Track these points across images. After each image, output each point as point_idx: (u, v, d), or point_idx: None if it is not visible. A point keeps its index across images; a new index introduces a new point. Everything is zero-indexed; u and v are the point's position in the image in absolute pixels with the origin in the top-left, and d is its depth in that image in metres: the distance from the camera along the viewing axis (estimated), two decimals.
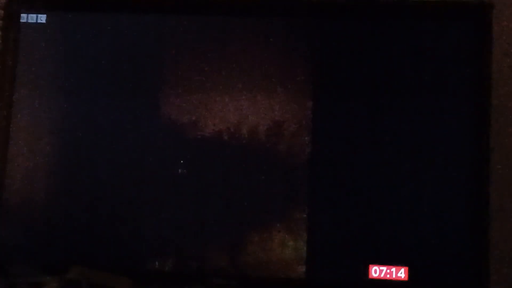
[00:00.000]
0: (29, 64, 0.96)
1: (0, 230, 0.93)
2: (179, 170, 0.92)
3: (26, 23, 0.97)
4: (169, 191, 0.92)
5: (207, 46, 0.94)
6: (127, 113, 0.94)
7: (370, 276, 0.87)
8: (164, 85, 0.94)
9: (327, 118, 0.91)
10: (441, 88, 0.90)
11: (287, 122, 0.92)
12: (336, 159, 0.90)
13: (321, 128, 0.91)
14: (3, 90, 0.95)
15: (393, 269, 0.87)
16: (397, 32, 0.92)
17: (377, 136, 0.90)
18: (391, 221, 0.88)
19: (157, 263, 0.90)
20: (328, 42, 0.93)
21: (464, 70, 0.90)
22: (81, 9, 0.97)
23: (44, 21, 0.96)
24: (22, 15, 0.96)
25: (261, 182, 0.91)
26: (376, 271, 0.87)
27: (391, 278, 0.87)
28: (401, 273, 0.87)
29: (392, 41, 0.92)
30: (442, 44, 0.91)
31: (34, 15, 0.96)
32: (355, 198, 0.89)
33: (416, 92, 0.90)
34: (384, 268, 0.87)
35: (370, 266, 0.87)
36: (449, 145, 0.89)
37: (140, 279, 0.87)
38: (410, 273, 0.87)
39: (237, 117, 0.93)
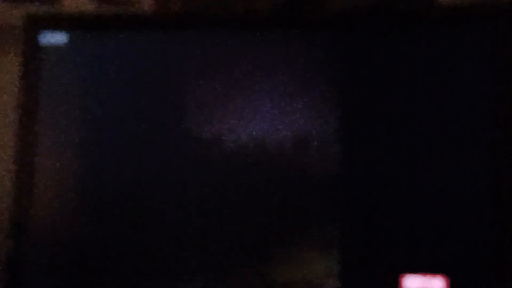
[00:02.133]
0: (51, 86, 0.96)
1: (27, 254, 0.92)
2: (204, 189, 0.90)
3: (46, 46, 0.96)
4: (192, 210, 0.90)
5: (228, 60, 0.93)
6: (149, 131, 0.93)
7: (405, 287, 0.84)
8: (186, 101, 0.93)
9: (355, 130, 0.90)
10: (462, 96, 0.88)
11: (313, 135, 0.90)
12: (366, 169, 0.88)
13: (349, 141, 0.89)
14: (27, 114, 0.95)
15: (430, 278, 0.84)
16: (418, 40, 0.90)
17: (406, 146, 0.88)
18: (426, 229, 0.85)
19: (188, 285, 0.89)
20: (351, 53, 0.91)
21: (484, 77, 0.88)
22: (101, 29, 0.96)
23: (64, 42, 0.96)
24: (41, 36, 0.96)
25: (288, 197, 0.89)
26: (412, 281, 0.84)
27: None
28: (438, 283, 0.84)
29: (414, 49, 0.90)
30: (463, 51, 0.89)
31: (54, 36, 0.96)
32: (387, 210, 0.87)
33: (441, 100, 0.88)
34: (419, 277, 0.84)
35: (405, 275, 0.84)
36: (477, 153, 0.87)
37: None
38: (449, 282, 0.84)
39: (261, 131, 0.91)
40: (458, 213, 0.85)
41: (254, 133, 0.91)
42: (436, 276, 0.84)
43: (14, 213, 0.92)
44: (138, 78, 0.95)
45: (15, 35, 0.96)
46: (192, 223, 0.90)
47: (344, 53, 0.91)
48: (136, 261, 0.90)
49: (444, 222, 0.85)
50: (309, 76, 0.91)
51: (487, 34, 0.88)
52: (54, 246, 0.92)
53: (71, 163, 0.94)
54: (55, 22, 0.96)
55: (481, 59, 0.88)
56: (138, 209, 0.91)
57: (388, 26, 0.91)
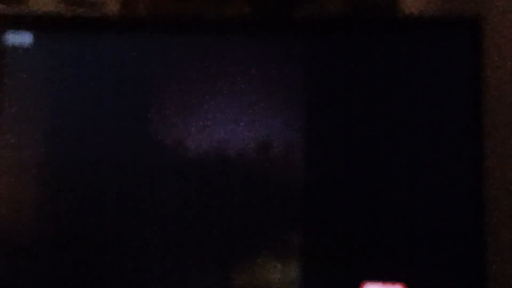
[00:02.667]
0: (14, 87, 0.95)
1: None
2: (164, 195, 0.90)
3: (10, 46, 0.96)
4: (151, 215, 0.90)
5: (192, 64, 0.93)
6: (110, 134, 0.93)
7: None
8: (147, 104, 0.93)
9: (318, 134, 0.90)
10: (437, 98, 0.89)
11: (275, 140, 0.90)
12: (328, 175, 0.88)
13: (312, 145, 0.90)
14: None
15: (389, 287, 0.84)
16: (392, 46, 0.91)
17: (374, 153, 0.88)
18: (387, 236, 0.86)
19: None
20: (321, 58, 0.92)
21: (459, 80, 0.89)
22: (66, 31, 0.96)
23: (28, 43, 0.95)
24: (6, 36, 0.95)
25: (249, 203, 0.89)
26: None
27: None
28: None
29: (387, 56, 0.90)
30: (437, 56, 0.90)
31: (19, 37, 0.95)
32: (348, 217, 0.87)
33: (415, 107, 0.89)
34: (379, 286, 0.84)
35: (364, 283, 0.85)
36: (448, 157, 0.87)
37: None
38: None
39: (224, 137, 0.91)
40: (420, 220, 0.85)
41: (217, 137, 0.91)
42: (395, 284, 0.84)
43: None
44: (102, 80, 0.94)
45: None
46: (152, 227, 0.90)
47: (309, 57, 0.91)
48: (102, 262, 0.90)
49: (405, 230, 0.85)
50: (271, 80, 0.91)
51: (451, 43, 0.89)
52: (15, 246, 0.92)
53: (33, 165, 0.93)
54: (19, 23, 0.95)
55: (458, 64, 0.89)
56: (104, 211, 0.91)
57: (361, 31, 0.91)
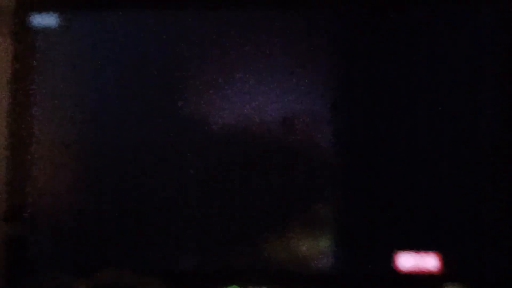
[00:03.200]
0: (43, 68, 0.95)
1: (29, 235, 0.93)
2: (191, 171, 0.91)
3: (36, 26, 0.95)
4: (185, 191, 0.91)
5: (221, 40, 0.93)
6: (142, 111, 0.93)
7: (398, 265, 0.87)
8: (180, 82, 0.93)
9: (349, 108, 0.90)
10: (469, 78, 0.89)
11: (305, 115, 0.91)
12: (360, 149, 0.89)
13: (343, 120, 0.90)
14: (18, 97, 0.95)
15: (423, 256, 0.86)
16: (419, 20, 0.90)
17: (400, 126, 0.89)
18: (419, 207, 0.87)
19: (184, 263, 0.90)
20: (348, 32, 0.91)
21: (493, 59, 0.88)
22: (93, 9, 0.95)
23: (55, 24, 0.95)
24: (31, 18, 0.95)
25: (281, 176, 0.90)
26: (405, 259, 0.87)
27: (420, 266, 0.86)
28: (432, 261, 0.86)
29: (416, 30, 0.90)
30: (469, 30, 0.89)
31: (44, 17, 0.95)
32: (380, 188, 0.88)
33: (443, 82, 0.89)
34: (413, 256, 0.87)
35: (398, 254, 0.87)
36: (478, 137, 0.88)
37: (169, 280, 0.87)
38: (441, 261, 0.86)
39: (251, 111, 0.92)
40: (452, 191, 0.87)
41: (244, 113, 0.92)
42: (429, 253, 0.86)
43: (9, 195, 0.93)
44: (129, 58, 0.94)
45: (5, 17, 0.94)
46: (187, 202, 0.91)
47: (337, 31, 0.91)
48: (134, 240, 0.92)
49: (437, 201, 0.87)
50: (299, 55, 0.91)
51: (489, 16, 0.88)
52: (53, 227, 0.94)
53: (66, 143, 0.94)
54: (45, 4, 0.94)
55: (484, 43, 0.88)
56: (134, 188, 0.92)
57: (389, 3, 0.91)
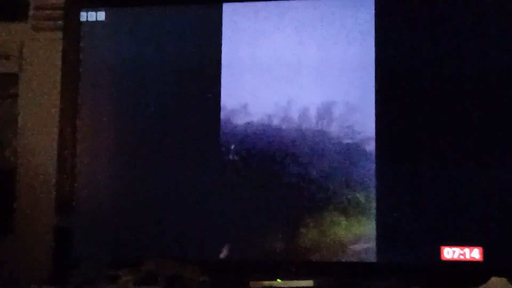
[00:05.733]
0: (91, 61, 0.98)
1: (75, 225, 0.95)
2: (231, 157, 0.92)
3: (86, 22, 0.98)
4: (220, 177, 0.92)
5: (259, 29, 0.94)
6: (183, 102, 0.95)
7: (442, 258, 0.86)
8: (219, 71, 0.94)
9: (387, 95, 0.90)
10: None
11: (346, 104, 0.91)
12: (403, 139, 0.89)
13: (386, 108, 0.90)
14: (67, 88, 0.97)
15: (467, 250, 0.86)
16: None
17: (442, 118, 0.88)
18: (463, 201, 0.86)
19: (223, 252, 0.91)
20: (391, 21, 0.91)
21: None
22: (139, 3, 0.97)
23: (103, 18, 0.98)
24: (82, 13, 0.98)
25: (324, 167, 0.90)
26: (449, 253, 0.86)
27: (464, 259, 0.85)
28: (476, 254, 0.85)
29: (462, 13, 0.89)
30: None
31: (94, 13, 0.98)
32: (423, 179, 0.87)
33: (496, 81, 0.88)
34: (457, 249, 0.86)
35: (442, 247, 0.86)
36: None
37: (210, 269, 0.88)
38: (485, 254, 0.85)
39: (290, 99, 0.92)
40: (497, 186, 0.85)
41: (281, 103, 0.92)
42: (473, 248, 0.85)
43: (60, 187, 0.96)
44: (171, 51, 0.96)
45: (58, 12, 0.98)
46: (226, 195, 0.92)
47: (377, 22, 0.91)
48: (176, 232, 0.93)
49: (481, 196, 0.86)
50: (335, 45, 0.92)
51: None
52: (98, 221, 0.96)
53: (110, 134, 0.96)
54: (92, 1, 0.97)
55: None
56: (174, 182, 0.94)
57: None
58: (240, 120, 0.93)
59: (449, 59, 0.89)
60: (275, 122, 0.92)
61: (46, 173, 0.97)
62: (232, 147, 0.93)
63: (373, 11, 0.91)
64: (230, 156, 0.93)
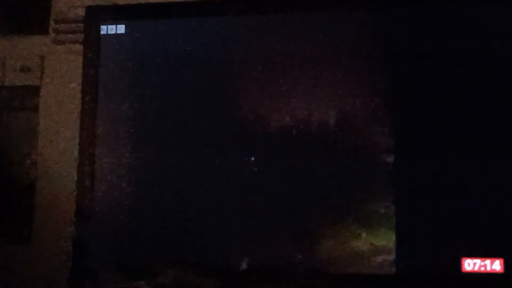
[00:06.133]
0: (111, 74, 0.99)
1: (93, 237, 0.95)
2: (247, 166, 0.92)
3: (106, 35, 0.99)
4: (237, 188, 0.92)
5: (275, 42, 0.94)
6: (205, 113, 0.95)
7: (463, 270, 0.85)
8: (238, 83, 0.95)
9: (408, 108, 0.90)
10: None
11: (364, 114, 0.91)
12: (423, 148, 0.88)
13: (401, 119, 0.89)
14: (87, 101, 0.98)
15: (488, 262, 0.84)
16: (471, 15, 0.89)
17: (460, 128, 0.88)
18: (483, 212, 0.85)
19: (241, 262, 0.91)
20: (401, 32, 0.91)
21: None
22: (160, 17, 0.99)
23: (123, 31, 0.99)
24: (102, 27, 0.99)
25: (342, 175, 0.90)
26: (470, 264, 0.85)
27: (485, 271, 0.84)
28: (496, 266, 0.84)
29: (469, 25, 0.89)
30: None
31: (113, 26, 0.99)
32: (442, 189, 0.87)
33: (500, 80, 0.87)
34: (478, 261, 0.84)
35: (463, 259, 0.85)
36: None
37: (227, 279, 0.88)
38: (506, 265, 0.84)
39: (308, 111, 0.92)
40: None
41: (297, 114, 0.92)
42: (494, 259, 0.84)
43: (78, 198, 0.96)
44: (191, 64, 0.97)
45: (78, 26, 0.99)
46: (237, 199, 0.92)
47: (389, 30, 0.91)
48: (188, 238, 0.93)
49: (502, 208, 0.85)
50: (352, 55, 0.92)
51: None
52: (116, 229, 0.96)
53: (130, 146, 0.97)
54: (114, 13, 0.99)
55: None
56: (191, 191, 0.94)
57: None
58: (255, 129, 0.93)
59: (469, 65, 0.89)
60: (293, 131, 0.92)
61: (65, 185, 0.98)
62: (252, 159, 0.93)
63: (383, 20, 0.92)
64: (247, 166, 0.93)
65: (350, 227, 0.89)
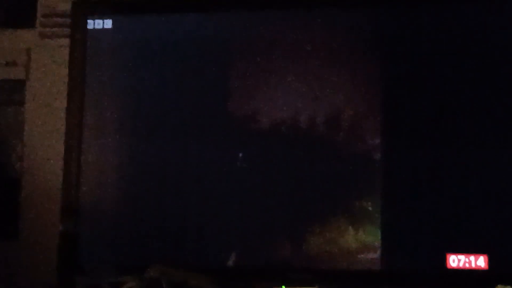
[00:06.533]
0: (98, 69, 0.98)
1: (80, 232, 0.95)
2: (238, 164, 0.93)
3: (93, 29, 0.98)
4: (235, 189, 0.93)
5: (266, 39, 0.94)
6: (190, 109, 0.95)
7: (448, 266, 0.86)
8: (225, 80, 0.95)
9: (398, 105, 0.90)
10: None
11: (353, 112, 0.91)
12: (408, 146, 0.89)
13: (391, 117, 0.90)
14: (74, 96, 0.98)
15: (472, 258, 0.86)
16: (466, 15, 0.90)
17: (448, 125, 0.88)
18: (468, 208, 0.86)
19: (231, 259, 0.91)
20: (396, 30, 0.92)
21: None
22: (146, 12, 0.98)
23: (110, 26, 0.98)
24: (89, 21, 0.98)
25: (330, 173, 0.90)
26: (455, 260, 0.86)
27: (470, 267, 0.86)
28: (481, 262, 0.85)
29: (465, 25, 0.89)
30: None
31: (100, 21, 0.98)
32: (428, 186, 0.87)
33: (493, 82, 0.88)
34: (462, 257, 0.86)
35: (448, 255, 0.86)
36: None
37: (216, 276, 0.88)
38: (490, 262, 0.85)
39: (298, 109, 0.92)
40: (500, 196, 0.86)
41: (288, 111, 0.93)
42: (478, 255, 0.85)
43: (65, 192, 0.96)
44: (178, 59, 0.96)
45: (65, 20, 0.98)
46: (232, 201, 0.92)
47: (379, 28, 0.92)
48: (182, 238, 0.94)
49: (486, 205, 0.86)
50: (342, 54, 0.92)
51: None
52: (104, 226, 0.96)
53: (116, 141, 0.97)
54: (101, 8, 0.98)
55: None
56: (180, 188, 0.94)
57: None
58: (248, 127, 0.93)
59: (461, 65, 0.89)
60: (283, 128, 0.93)
61: (52, 179, 0.97)
62: (240, 155, 0.93)
63: (379, 22, 0.92)
64: (238, 163, 0.93)
65: (337, 223, 0.89)
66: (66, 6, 0.98)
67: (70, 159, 0.97)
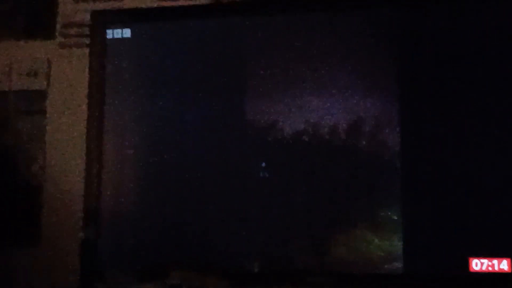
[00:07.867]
0: (117, 78, 0.99)
1: (99, 237, 0.96)
2: (261, 173, 0.93)
3: (112, 39, 1.00)
4: (254, 193, 0.93)
5: (287, 45, 0.94)
6: (211, 117, 0.96)
7: (470, 269, 0.85)
8: (245, 87, 0.95)
9: (417, 113, 0.90)
10: None
11: (373, 119, 0.91)
12: (429, 152, 0.88)
13: (410, 124, 0.89)
14: (94, 104, 0.99)
15: (495, 261, 0.84)
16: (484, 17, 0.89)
17: (468, 132, 0.88)
18: (490, 212, 0.85)
19: (252, 264, 0.91)
20: (415, 34, 0.91)
21: None
22: (164, 20, 0.99)
23: (129, 35, 0.99)
24: (108, 31, 0.99)
25: (351, 180, 0.90)
26: (477, 264, 0.85)
27: (493, 270, 0.84)
28: (504, 265, 0.84)
29: (484, 27, 0.89)
30: None
31: (119, 30, 0.99)
32: (450, 190, 0.87)
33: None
34: (485, 261, 0.85)
35: (471, 259, 0.85)
36: None
37: (237, 280, 0.88)
38: None
39: (318, 116, 0.92)
40: None
41: (310, 119, 0.92)
42: (501, 259, 0.84)
43: (86, 200, 0.97)
44: (198, 66, 0.97)
45: (85, 30, 0.99)
46: (251, 205, 0.92)
47: (401, 35, 0.91)
48: (200, 243, 0.94)
49: (508, 209, 0.85)
50: (363, 61, 0.92)
51: None
52: (123, 231, 0.97)
53: (136, 149, 0.97)
54: (120, 17, 0.99)
55: None
56: (199, 192, 0.94)
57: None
58: (269, 136, 0.93)
59: (479, 71, 0.88)
60: (304, 136, 0.92)
61: (73, 187, 0.98)
62: (263, 164, 0.93)
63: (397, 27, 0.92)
64: (260, 172, 0.93)
65: (358, 228, 0.89)
66: (85, 16, 0.99)
67: (91, 166, 0.98)
